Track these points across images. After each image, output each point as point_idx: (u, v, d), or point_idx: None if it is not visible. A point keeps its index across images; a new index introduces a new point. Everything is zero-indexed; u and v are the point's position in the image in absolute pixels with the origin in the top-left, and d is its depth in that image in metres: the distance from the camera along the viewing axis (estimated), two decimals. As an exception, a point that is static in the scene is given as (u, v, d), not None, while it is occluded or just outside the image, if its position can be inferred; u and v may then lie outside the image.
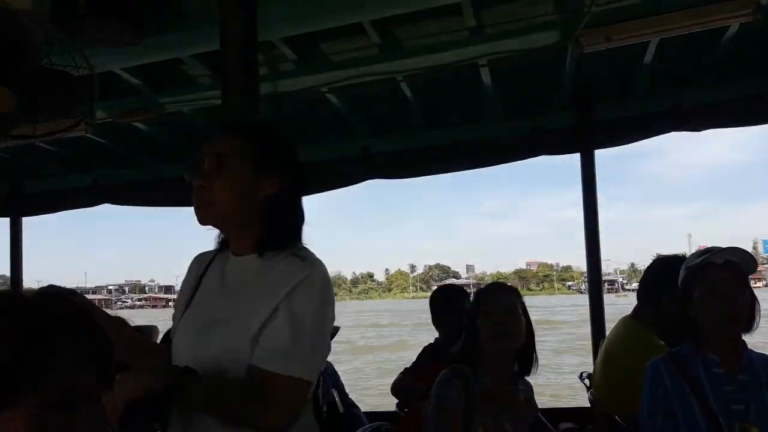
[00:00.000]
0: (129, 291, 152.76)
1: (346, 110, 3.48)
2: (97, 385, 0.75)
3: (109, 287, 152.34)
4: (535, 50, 2.77)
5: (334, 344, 1.65)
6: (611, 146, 3.60)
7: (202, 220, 1.41)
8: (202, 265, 1.54)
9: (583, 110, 3.42)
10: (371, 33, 2.68)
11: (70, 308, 0.79)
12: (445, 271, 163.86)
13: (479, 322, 2.06)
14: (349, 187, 3.96)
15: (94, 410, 0.75)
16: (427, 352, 3.16)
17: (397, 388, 3.11)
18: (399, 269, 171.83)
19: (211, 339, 1.37)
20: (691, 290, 1.90)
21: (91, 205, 4.53)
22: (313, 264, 1.39)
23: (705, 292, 1.85)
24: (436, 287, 3.83)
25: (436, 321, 3.18)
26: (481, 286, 2.32)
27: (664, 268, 2.42)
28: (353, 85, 3.07)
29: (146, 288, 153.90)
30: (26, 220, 4.77)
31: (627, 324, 2.55)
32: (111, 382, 0.79)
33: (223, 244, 1.52)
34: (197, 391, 1.25)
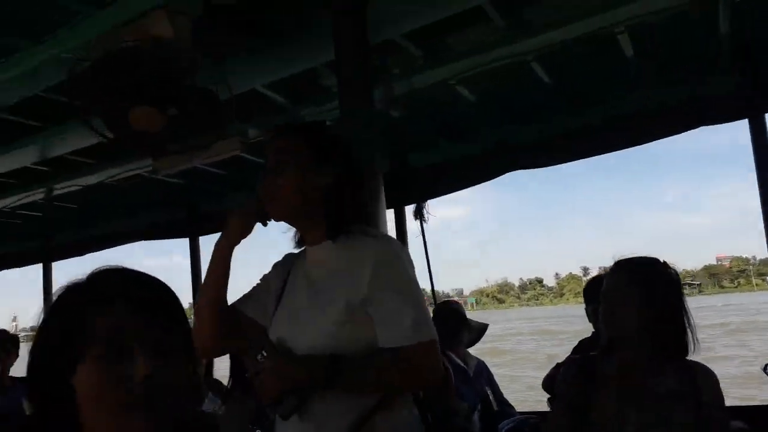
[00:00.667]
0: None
1: (479, 102, 3.41)
2: (147, 331, 0.79)
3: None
4: (681, 6, 2.50)
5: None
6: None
7: (273, 215, 1.58)
8: (287, 265, 1.68)
9: (746, 69, 3.02)
10: (494, 16, 2.60)
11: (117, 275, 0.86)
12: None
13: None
14: (499, 189, 3.88)
15: (158, 362, 0.78)
16: (583, 345, 2.97)
17: (547, 383, 2.96)
18: (570, 272, 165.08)
19: (307, 329, 1.48)
20: None
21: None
22: (387, 239, 1.56)
23: None
24: (590, 278, 3.60)
25: (591, 312, 2.98)
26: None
27: None
28: (483, 73, 2.99)
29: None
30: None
31: None
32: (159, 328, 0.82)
33: (300, 242, 1.65)
34: (351, 377, 1.41)
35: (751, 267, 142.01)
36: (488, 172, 3.87)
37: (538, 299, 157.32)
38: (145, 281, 0.85)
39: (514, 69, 3.00)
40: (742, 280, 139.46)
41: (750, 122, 3.11)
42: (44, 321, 0.83)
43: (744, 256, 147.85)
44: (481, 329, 3.57)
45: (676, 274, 1.91)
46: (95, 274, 0.85)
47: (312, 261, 1.60)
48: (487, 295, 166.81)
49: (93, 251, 5.84)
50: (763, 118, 3.09)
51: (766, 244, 3.14)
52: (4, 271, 6.66)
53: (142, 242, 5.79)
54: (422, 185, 4.10)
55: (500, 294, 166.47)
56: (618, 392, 1.79)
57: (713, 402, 1.78)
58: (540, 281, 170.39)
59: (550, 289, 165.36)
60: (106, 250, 5.70)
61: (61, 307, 0.82)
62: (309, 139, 1.57)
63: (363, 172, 1.66)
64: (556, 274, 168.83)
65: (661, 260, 1.91)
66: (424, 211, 4.19)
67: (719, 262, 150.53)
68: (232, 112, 2.31)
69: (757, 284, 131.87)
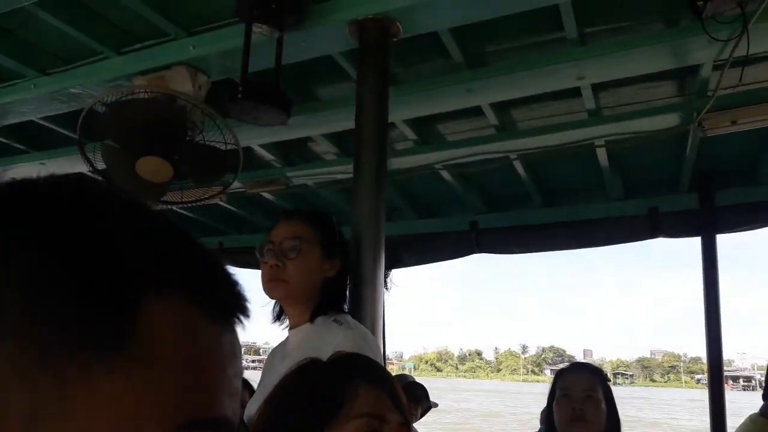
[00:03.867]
0: (245, 352, 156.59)
1: (458, 186, 3.58)
2: (392, 414, 0.97)
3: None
4: (656, 132, 2.76)
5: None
6: (734, 231, 3.45)
7: (272, 294, 1.65)
8: (275, 351, 1.77)
9: (705, 194, 3.31)
10: (489, 114, 2.80)
11: None
12: (559, 354, 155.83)
13: (556, 405, 1.94)
14: (460, 260, 4.01)
15: None
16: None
17: None
18: (509, 349, 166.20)
19: None
20: None
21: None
22: (350, 326, 1.59)
23: None
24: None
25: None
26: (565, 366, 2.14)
27: None
28: (467, 163, 3.17)
29: (260, 350, 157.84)
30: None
31: (755, 421, 2.37)
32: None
33: (278, 317, 1.75)
34: None
35: (682, 363, 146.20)
36: (456, 251, 4.02)
37: (475, 371, 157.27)
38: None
39: (497, 162, 3.20)
40: (672, 376, 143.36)
41: (702, 240, 3.39)
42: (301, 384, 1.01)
43: (676, 353, 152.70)
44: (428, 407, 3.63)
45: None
46: (354, 356, 1.10)
47: (291, 342, 1.69)
48: (426, 362, 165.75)
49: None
50: (714, 238, 3.37)
51: (706, 350, 3.37)
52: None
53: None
54: (390, 255, 4.19)
55: (438, 362, 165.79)
56: None
57: None
58: (479, 353, 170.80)
59: (488, 362, 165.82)
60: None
61: (332, 375, 1.01)
62: (323, 230, 1.69)
63: (351, 262, 1.78)
64: (496, 348, 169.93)
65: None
66: (388, 280, 4.28)
67: (653, 356, 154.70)
68: (237, 170, 2.38)
69: (685, 381, 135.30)
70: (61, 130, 3.12)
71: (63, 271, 0.32)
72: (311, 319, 1.63)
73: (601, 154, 3.03)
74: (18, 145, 3.41)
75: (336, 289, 1.68)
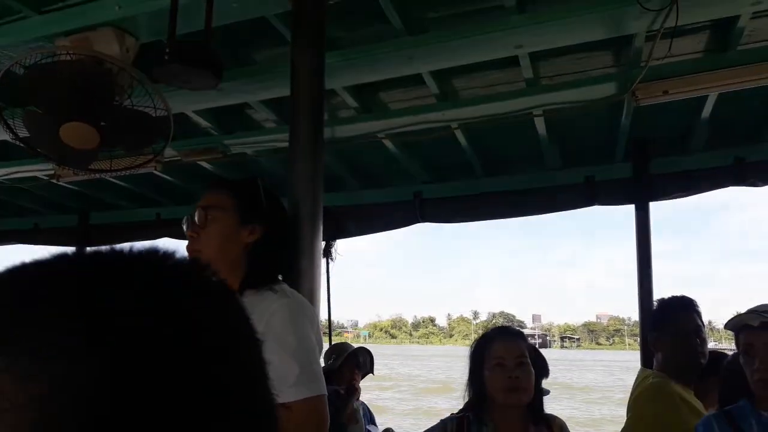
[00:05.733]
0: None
1: (401, 155, 3.57)
2: None
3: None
4: (592, 102, 2.81)
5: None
6: (667, 199, 3.56)
7: None
8: None
9: (639, 162, 3.41)
10: (430, 83, 2.78)
11: None
12: (509, 319, 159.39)
13: (487, 372, 1.94)
14: (412, 228, 4.03)
15: None
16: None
17: None
18: (461, 315, 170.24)
19: None
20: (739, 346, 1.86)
21: (154, 239, 4.72)
22: (285, 295, 1.53)
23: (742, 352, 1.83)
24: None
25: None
26: (489, 330, 2.11)
27: (657, 312, 2.45)
28: (409, 132, 3.16)
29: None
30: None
31: (638, 374, 2.51)
32: None
33: None
34: None
35: (626, 327, 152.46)
36: (400, 221, 4.03)
37: (428, 338, 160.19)
38: None
39: (439, 131, 3.19)
40: (616, 339, 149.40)
41: (636, 208, 3.49)
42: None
43: (620, 317, 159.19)
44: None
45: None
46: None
47: None
48: (381, 329, 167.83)
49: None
50: (647, 205, 3.48)
51: (639, 314, 3.50)
52: None
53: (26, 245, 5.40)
54: (334, 225, 4.17)
55: (393, 329, 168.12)
56: None
57: None
58: (432, 320, 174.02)
59: (441, 329, 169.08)
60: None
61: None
62: (238, 196, 1.63)
63: (288, 228, 1.73)
64: (449, 314, 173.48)
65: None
66: (332, 250, 4.27)
67: (598, 320, 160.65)
68: (168, 137, 2.29)
69: (629, 344, 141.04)
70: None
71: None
72: (240, 292, 1.55)
73: (539, 124, 3.06)
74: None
75: (263, 256, 1.60)
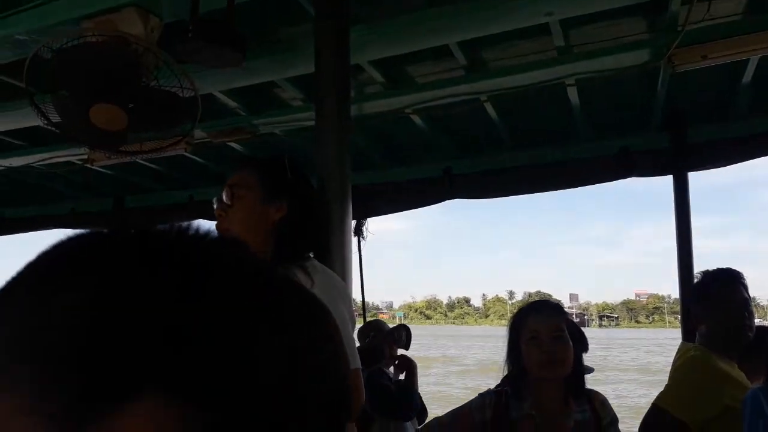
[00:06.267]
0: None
1: (430, 131, 3.52)
2: None
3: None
4: (626, 69, 2.71)
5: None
6: (706, 169, 3.45)
7: None
8: None
9: (676, 131, 3.29)
10: (458, 54, 2.72)
11: None
12: (545, 298, 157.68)
13: (523, 346, 1.91)
14: (443, 208, 4.00)
15: None
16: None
17: None
18: (497, 295, 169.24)
19: None
20: None
21: (188, 220, 4.77)
22: (316, 270, 1.53)
23: None
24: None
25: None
26: (527, 304, 2.09)
27: (701, 285, 2.36)
28: (438, 106, 3.10)
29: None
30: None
31: (679, 348, 2.43)
32: None
33: None
34: None
35: (665, 305, 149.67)
36: (430, 198, 3.99)
37: (463, 318, 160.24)
38: None
39: (467, 104, 3.13)
40: (656, 317, 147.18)
41: (674, 178, 3.39)
42: None
43: (660, 294, 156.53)
44: None
45: None
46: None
47: None
48: (416, 310, 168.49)
49: (6, 234, 5.53)
50: (686, 176, 3.37)
51: (678, 289, 3.41)
52: None
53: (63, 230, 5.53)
54: (364, 203, 4.16)
55: (428, 310, 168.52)
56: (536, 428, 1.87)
57: (612, 423, 1.92)
58: (467, 300, 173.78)
59: (477, 309, 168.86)
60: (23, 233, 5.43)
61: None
62: (263, 174, 1.64)
63: (316, 204, 1.72)
64: (483, 295, 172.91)
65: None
66: (363, 229, 4.26)
67: (637, 298, 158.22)
68: (196, 118, 2.29)
69: (669, 322, 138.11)
70: (10, 80, 2.97)
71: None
72: None
73: (572, 94, 2.97)
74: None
75: (291, 233, 1.60)
